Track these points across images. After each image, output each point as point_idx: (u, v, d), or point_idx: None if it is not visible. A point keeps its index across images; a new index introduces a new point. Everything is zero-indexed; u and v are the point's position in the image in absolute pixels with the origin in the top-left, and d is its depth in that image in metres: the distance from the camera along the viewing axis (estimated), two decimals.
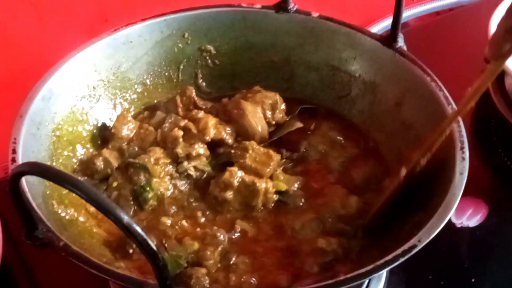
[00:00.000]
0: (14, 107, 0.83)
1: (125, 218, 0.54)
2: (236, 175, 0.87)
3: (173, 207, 0.87)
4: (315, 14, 1.00)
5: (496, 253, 0.99)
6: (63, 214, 0.80)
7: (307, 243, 0.83)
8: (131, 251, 0.81)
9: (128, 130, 0.93)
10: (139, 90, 1.00)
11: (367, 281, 0.89)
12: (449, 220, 0.73)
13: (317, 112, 1.02)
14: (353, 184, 0.91)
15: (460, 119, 0.83)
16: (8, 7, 1.05)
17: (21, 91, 0.86)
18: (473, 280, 0.94)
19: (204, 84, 1.04)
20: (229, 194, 0.87)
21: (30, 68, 0.92)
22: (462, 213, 1.02)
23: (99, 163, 0.88)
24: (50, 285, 0.95)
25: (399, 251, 0.69)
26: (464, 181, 0.77)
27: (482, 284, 0.94)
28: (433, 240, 0.71)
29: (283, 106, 0.98)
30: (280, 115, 0.98)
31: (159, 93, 1.02)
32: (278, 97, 0.98)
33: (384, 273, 0.91)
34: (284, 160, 0.93)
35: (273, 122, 0.97)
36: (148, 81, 1.01)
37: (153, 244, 0.56)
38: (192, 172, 0.90)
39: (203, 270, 0.78)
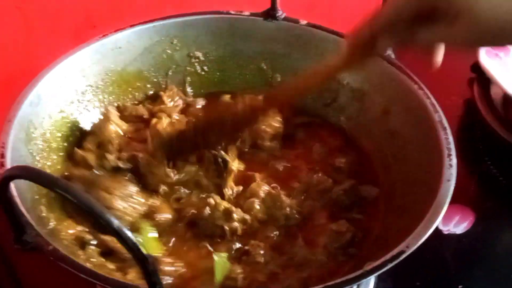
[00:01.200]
0: (2, 113, 0.83)
1: (115, 222, 0.54)
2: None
3: None
4: (303, 22, 1.01)
5: (482, 260, 0.99)
6: (51, 219, 0.79)
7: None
8: None
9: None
10: (128, 95, 1.00)
11: (355, 287, 0.89)
12: (436, 227, 0.73)
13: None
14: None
15: (447, 126, 0.84)
16: None
17: (8, 97, 0.85)
18: (460, 287, 0.94)
19: (192, 90, 1.04)
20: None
21: (17, 73, 0.92)
22: (449, 220, 1.02)
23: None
24: None
25: (387, 256, 0.69)
26: (452, 188, 0.77)
27: None
28: (420, 246, 0.71)
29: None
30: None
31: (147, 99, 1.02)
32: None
33: (372, 279, 0.91)
34: None
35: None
36: (136, 86, 1.01)
37: (143, 249, 0.56)
38: None
39: None
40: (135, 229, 0.82)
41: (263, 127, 0.95)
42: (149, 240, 0.81)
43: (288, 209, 0.86)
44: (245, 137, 0.94)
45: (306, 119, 1.01)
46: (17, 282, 0.95)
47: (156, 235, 0.82)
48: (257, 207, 0.86)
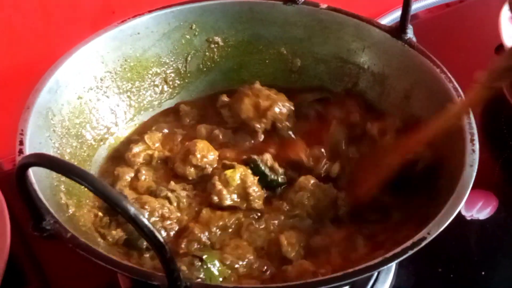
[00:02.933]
0: (21, 100, 0.83)
1: (132, 209, 0.54)
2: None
3: None
4: (324, 6, 0.99)
5: (506, 246, 0.98)
6: (70, 206, 0.80)
7: None
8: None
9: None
10: (146, 82, 1.00)
11: (376, 273, 0.88)
12: (459, 213, 0.72)
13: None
14: None
15: (470, 111, 0.82)
16: (13, 0, 1.05)
17: (27, 85, 0.85)
18: (482, 273, 0.93)
19: (211, 76, 1.04)
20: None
21: (36, 61, 0.92)
22: (472, 206, 1.01)
23: None
24: (58, 277, 0.95)
25: (408, 243, 0.69)
26: (474, 174, 0.76)
27: (491, 277, 0.94)
28: (442, 232, 0.70)
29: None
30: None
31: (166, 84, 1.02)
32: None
33: (393, 265, 0.90)
34: None
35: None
36: (155, 72, 1.00)
37: (160, 236, 0.55)
38: None
39: None
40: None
41: (277, 110, 0.95)
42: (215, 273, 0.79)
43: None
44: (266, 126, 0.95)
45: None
46: (39, 269, 0.96)
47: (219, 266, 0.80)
48: (306, 201, 0.86)
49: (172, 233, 0.84)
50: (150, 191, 0.88)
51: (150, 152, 0.93)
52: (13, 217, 0.92)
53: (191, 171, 0.90)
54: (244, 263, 0.80)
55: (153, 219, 0.83)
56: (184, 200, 0.87)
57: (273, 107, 0.94)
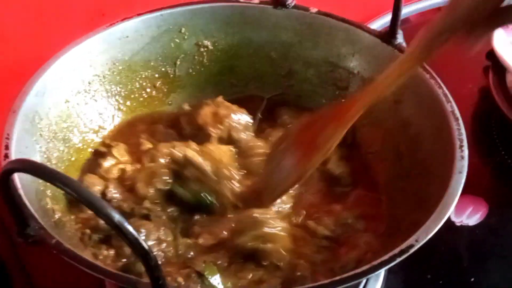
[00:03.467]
0: (8, 103, 0.82)
1: (116, 216, 0.53)
2: None
3: None
4: (314, 10, 0.99)
5: (495, 252, 0.98)
6: (57, 211, 0.79)
7: None
8: None
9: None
10: (135, 85, 0.99)
11: (364, 280, 0.88)
12: (449, 219, 0.72)
13: None
14: None
15: (459, 117, 0.82)
16: (2, 0, 1.04)
17: (15, 86, 0.85)
18: (472, 279, 0.93)
19: (201, 80, 1.03)
20: None
21: (25, 62, 0.91)
22: (461, 212, 1.01)
23: None
24: (46, 283, 0.94)
25: (396, 250, 0.68)
26: (463, 180, 0.75)
27: (480, 284, 0.93)
28: (432, 238, 0.70)
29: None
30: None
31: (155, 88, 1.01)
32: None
33: (382, 272, 0.90)
34: None
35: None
36: (144, 76, 1.00)
37: (145, 244, 0.55)
38: None
39: None
40: None
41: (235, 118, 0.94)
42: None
43: None
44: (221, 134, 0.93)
45: None
46: (26, 274, 0.95)
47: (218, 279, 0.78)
48: None
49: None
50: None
51: (121, 166, 0.89)
52: (0, 221, 0.91)
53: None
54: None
55: (150, 242, 0.80)
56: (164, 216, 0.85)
57: (231, 115, 0.94)
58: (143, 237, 0.79)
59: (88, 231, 0.81)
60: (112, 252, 0.79)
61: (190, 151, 0.86)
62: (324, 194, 0.90)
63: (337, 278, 0.66)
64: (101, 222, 0.81)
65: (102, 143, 0.94)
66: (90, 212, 0.80)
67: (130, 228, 0.54)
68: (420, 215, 0.74)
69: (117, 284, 0.67)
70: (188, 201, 0.85)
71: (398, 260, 0.67)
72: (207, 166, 0.85)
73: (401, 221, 0.79)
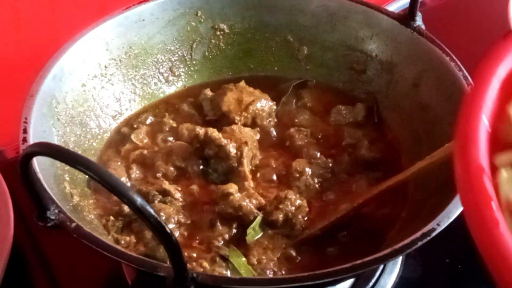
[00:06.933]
0: (25, 88, 0.82)
1: (138, 200, 0.53)
2: None
3: None
4: None
5: None
6: (75, 196, 0.79)
7: None
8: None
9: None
10: (151, 69, 0.99)
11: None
12: None
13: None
14: None
15: None
16: None
17: (32, 71, 0.84)
18: None
19: (217, 64, 1.02)
20: None
21: (41, 48, 0.91)
22: None
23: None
24: (62, 267, 0.94)
25: (417, 234, 0.68)
26: None
27: None
28: (450, 223, 0.69)
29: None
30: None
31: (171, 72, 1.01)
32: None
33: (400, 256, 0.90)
34: None
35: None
36: (160, 60, 0.99)
37: (167, 227, 0.54)
38: None
39: None
40: None
41: (259, 105, 0.94)
42: (241, 265, 0.78)
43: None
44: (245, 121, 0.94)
45: None
46: (43, 258, 0.95)
47: (244, 259, 0.79)
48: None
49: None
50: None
51: (140, 150, 0.91)
52: (17, 206, 0.91)
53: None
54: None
55: (170, 225, 0.80)
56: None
57: (255, 102, 0.94)
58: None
59: (111, 217, 0.81)
60: (133, 238, 0.79)
61: (211, 129, 0.87)
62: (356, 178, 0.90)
63: (358, 262, 0.66)
64: (122, 208, 0.81)
65: (123, 125, 0.95)
66: (106, 197, 0.82)
67: (152, 210, 0.53)
68: (441, 199, 0.73)
69: (138, 268, 0.66)
70: None
71: (420, 244, 0.67)
72: (229, 145, 0.85)
73: (423, 206, 0.79)
